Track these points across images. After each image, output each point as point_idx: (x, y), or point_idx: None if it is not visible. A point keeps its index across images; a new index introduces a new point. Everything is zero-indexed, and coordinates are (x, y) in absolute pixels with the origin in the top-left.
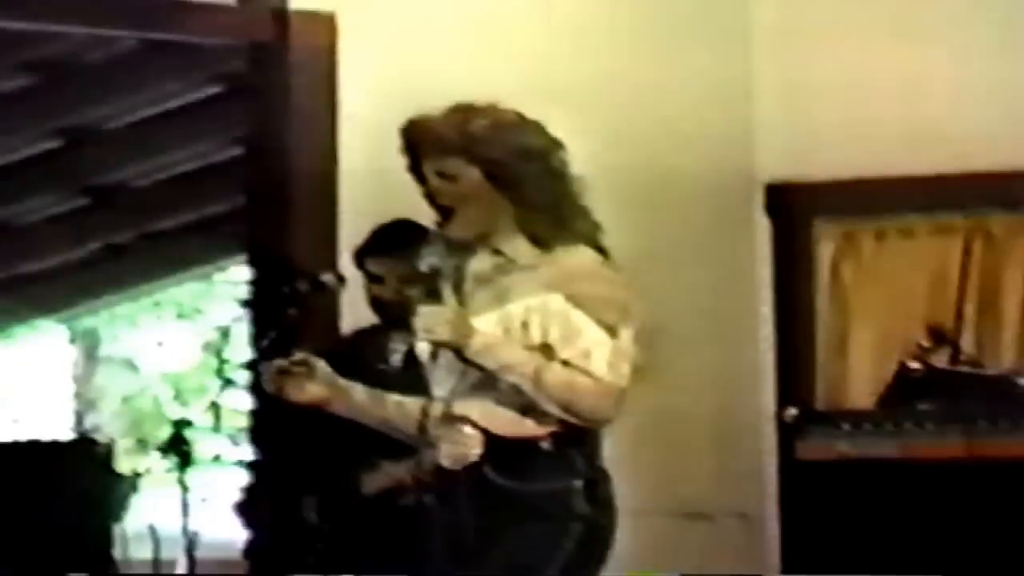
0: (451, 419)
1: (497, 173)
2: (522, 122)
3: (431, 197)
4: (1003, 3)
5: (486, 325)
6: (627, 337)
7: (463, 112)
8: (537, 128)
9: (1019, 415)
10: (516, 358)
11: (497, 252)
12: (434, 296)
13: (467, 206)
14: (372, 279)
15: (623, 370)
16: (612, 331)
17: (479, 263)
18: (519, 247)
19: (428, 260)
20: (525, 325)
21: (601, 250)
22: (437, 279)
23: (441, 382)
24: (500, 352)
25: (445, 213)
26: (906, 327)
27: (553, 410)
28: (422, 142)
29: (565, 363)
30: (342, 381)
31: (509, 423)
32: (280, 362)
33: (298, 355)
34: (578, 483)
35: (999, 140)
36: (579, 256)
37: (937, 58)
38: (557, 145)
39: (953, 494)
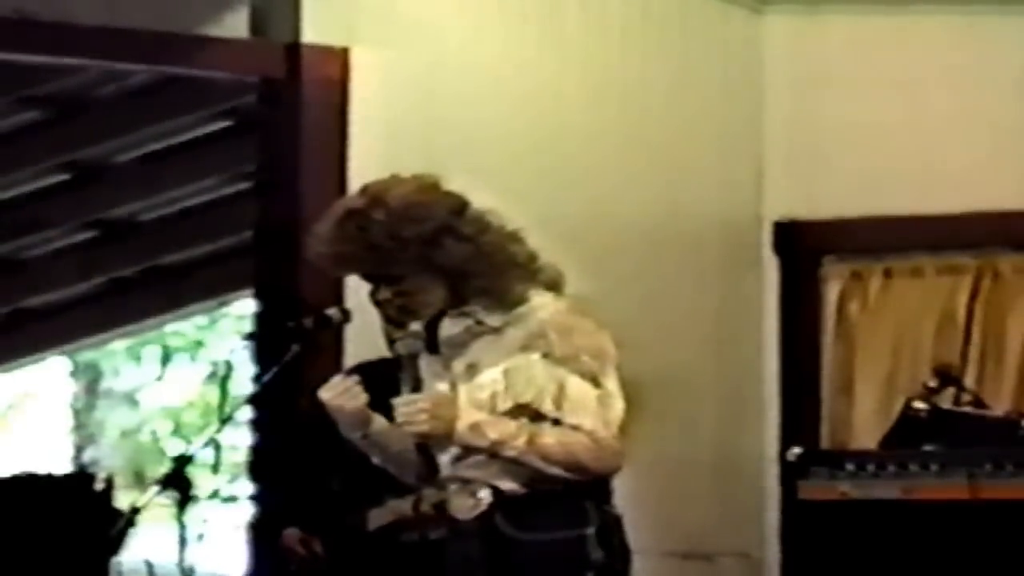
0: (459, 480)
1: (424, 264)
2: (413, 200)
3: (381, 304)
4: (1010, 45)
5: (467, 394)
6: (612, 383)
7: (352, 220)
8: (425, 204)
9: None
10: (505, 432)
11: (465, 314)
12: (415, 382)
13: (418, 295)
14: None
15: (614, 418)
16: (595, 381)
17: (450, 328)
18: (483, 310)
19: (403, 344)
20: (507, 389)
21: (559, 287)
22: (415, 363)
23: (443, 450)
24: (488, 430)
25: (406, 311)
26: (912, 367)
27: (556, 473)
28: (339, 268)
29: (556, 422)
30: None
31: (517, 487)
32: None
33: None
34: (591, 530)
35: (1008, 180)
36: (545, 310)
37: (946, 99)
38: (457, 208)
39: (956, 536)
